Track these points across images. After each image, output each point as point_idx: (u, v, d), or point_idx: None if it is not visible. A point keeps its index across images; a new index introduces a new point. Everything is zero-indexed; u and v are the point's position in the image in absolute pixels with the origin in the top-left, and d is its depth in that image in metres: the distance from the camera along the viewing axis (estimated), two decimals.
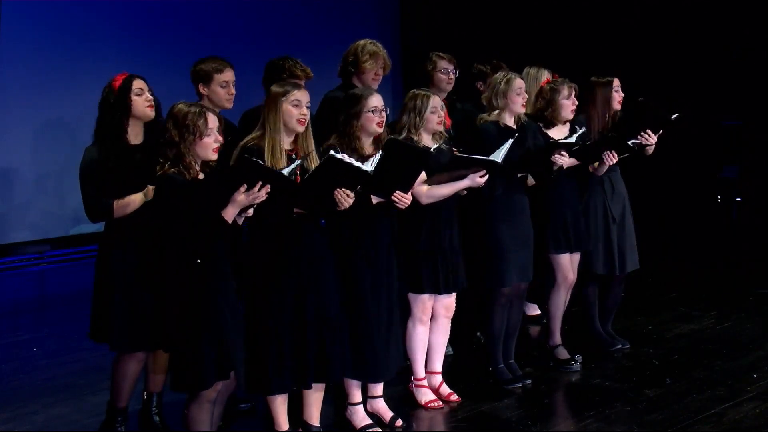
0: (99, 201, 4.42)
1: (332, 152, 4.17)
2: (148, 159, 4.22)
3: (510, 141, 4.94)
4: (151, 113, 4.50)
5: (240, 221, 4.08)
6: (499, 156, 4.88)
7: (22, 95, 7.95)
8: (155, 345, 4.45)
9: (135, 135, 4.51)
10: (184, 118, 4.00)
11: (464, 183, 4.93)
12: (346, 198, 4.29)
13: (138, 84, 4.48)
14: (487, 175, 4.93)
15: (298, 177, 4.25)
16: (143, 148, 4.45)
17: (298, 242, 4.38)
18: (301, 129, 4.36)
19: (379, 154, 4.33)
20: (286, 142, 4.36)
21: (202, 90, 4.90)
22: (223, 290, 4.06)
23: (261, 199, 3.95)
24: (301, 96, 4.36)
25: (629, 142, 5.63)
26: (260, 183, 3.90)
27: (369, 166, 4.28)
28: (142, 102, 4.47)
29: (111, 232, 4.52)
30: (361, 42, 5.47)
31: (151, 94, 4.52)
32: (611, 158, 5.61)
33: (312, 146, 4.43)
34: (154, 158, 4.05)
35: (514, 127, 5.32)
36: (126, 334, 4.46)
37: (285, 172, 4.02)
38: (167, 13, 8.70)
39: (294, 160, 4.22)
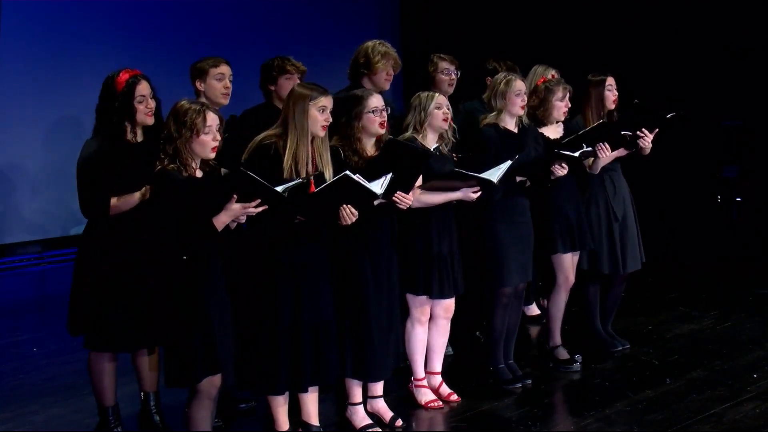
0: (96, 197, 4.40)
1: (347, 172, 4.21)
2: (148, 158, 4.22)
3: (509, 162, 4.93)
4: (149, 121, 4.49)
5: (233, 226, 4.08)
6: (495, 176, 4.88)
7: (22, 95, 7.96)
8: (137, 345, 4.52)
9: (136, 134, 4.50)
10: (183, 114, 4.02)
11: (456, 195, 4.95)
12: (350, 216, 4.34)
13: (141, 90, 4.45)
14: (480, 192, 4.94)
15: (313, 187, 4.25)
16: (144, 147, 4.45)
17: (296, 246, 4.39)
18: (323, 134, 4.42)
19: (389, 176, 4.36)
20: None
21: (199, 86, 4.90)
22: (212, 286, 4.06)
23: (255, 213, 3.99)
24: (327, 102, 4.42)
25: (623, 132, 5.59)
26: (255, 199, 3.94)
27: (379, 188, 4.32)
28: (143, 109, 4.46)
29: (92, 230, 4.50)
30: (370, 43, 5.43)
31: (152, 97, 4.51)
32: (605, 151, 5.56)
33: (327, 150, 4.47)
34: (155, 156, 4.06)
35: (515, 130, 5.33)
36: (96, 333, 4.46)
37: (280, 189, 4.02)
38: (168, 13, 8.71)
39: (298, 178, 4.23)
